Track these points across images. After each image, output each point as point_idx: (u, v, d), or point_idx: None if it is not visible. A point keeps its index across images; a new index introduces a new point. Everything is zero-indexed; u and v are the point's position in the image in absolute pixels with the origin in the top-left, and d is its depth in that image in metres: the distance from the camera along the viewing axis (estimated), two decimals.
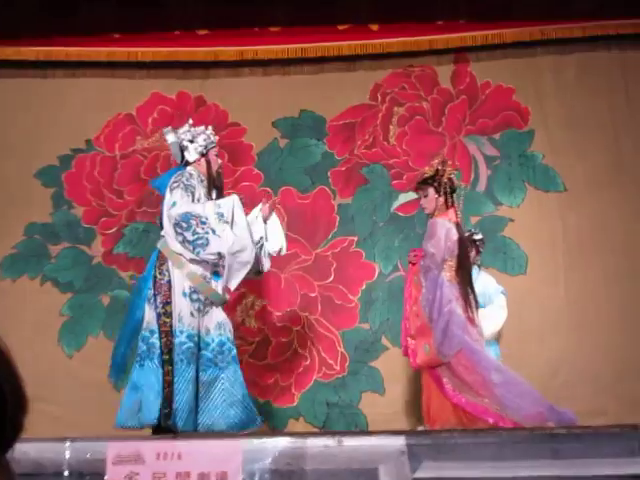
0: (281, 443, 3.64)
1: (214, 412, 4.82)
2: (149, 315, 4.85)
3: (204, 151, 5.27)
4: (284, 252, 5.42)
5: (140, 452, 3.22)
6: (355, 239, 6.95)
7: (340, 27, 7.25)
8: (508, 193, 6.97)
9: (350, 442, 3.69)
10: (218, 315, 4.98)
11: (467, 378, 5.04)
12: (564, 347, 6.57)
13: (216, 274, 4.98)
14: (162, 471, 3.20)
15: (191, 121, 5.35)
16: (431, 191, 5.44)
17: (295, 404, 6.60)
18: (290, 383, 6.65)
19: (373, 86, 7.28)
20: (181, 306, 4.85)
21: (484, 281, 6.11)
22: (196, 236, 4.82)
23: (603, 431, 3.99)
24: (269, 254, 5.24)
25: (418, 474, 3.59)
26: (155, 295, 4.85)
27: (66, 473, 3.23)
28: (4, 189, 7.09)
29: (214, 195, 5.20)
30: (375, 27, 7.23)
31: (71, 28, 7.14)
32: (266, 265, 5.25)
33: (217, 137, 5.43)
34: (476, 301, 5.32)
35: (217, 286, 4.99)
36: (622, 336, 6.55)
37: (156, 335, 4.78)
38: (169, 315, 4.82)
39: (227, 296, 5.08)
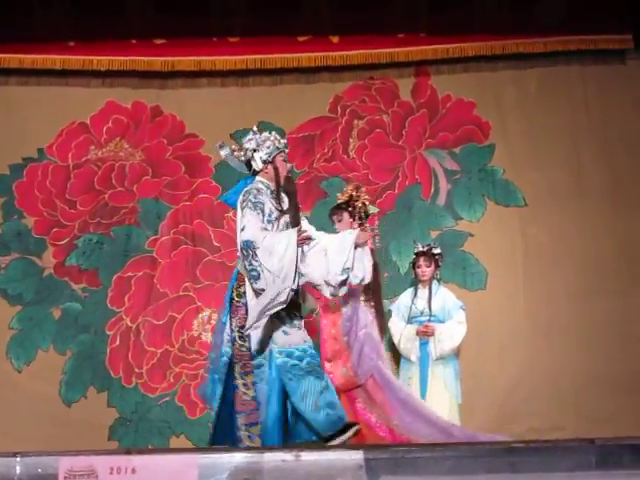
0: (237, 458, 3.63)
1: (308, 419, 4.75)
2: (225, 339, 4.80)
3: (269, 158, 5.11)
4: (366, 282, 5.34)
5: (93, 466, 3.20)
6: None
7: (300, 38, 7.28)
8: (468, 207, 7.03)
9: (308, 457, 3.69)
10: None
11: (377, 399, 5.32)
12: (524, 362, 6.64)
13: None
14: None
15: (255, 128, 5.22)
16: (346, 216, 5.70)
17: None
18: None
19: (333, 98, 7.33)
20: (270, 328, 4.77)
21: (443, 296, 6.16)
22: (251, 267, 4.73)
23: (561, 445, 4.03)
24: (349, 283, 5.07)
25: None
26: (231, 318, 4.79)
27: None
28: None
29: (285, 204, 5.04)
30: (335, 39, 7.26)
31: (25, 35, 7.08)
32: (341, 293, 5.03)
33: (285, 141, 5.22)
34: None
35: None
36: (582, 351, 6.64)
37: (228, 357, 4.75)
38: (245, 339, 4.75)
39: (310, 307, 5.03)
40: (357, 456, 3.66)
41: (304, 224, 4.98)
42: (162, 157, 7.25)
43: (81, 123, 7.27)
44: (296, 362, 4.76)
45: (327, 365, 5.44)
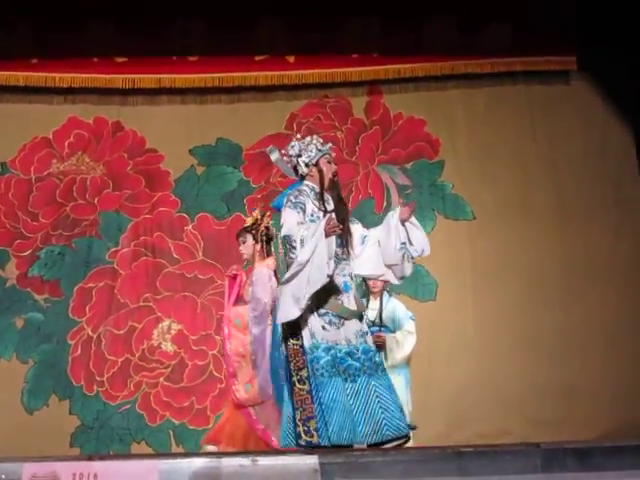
0: (196, 463, 3.64)
1: (371, 420, 4.70)
2: (279, 338, 4.79)
3: (313, 162, 5.11)
4: (427, 253, 5.08)
5: (56, 472, 3.19)
6: None
7: (257, 58, 7.33)
8: (419, 221, 7.03)
9: (264, 461, 3.71)
10: (355, 325, 4.76)
11: (274, 417, 5.34)
12: (471, 371, 6.70)
13: (346, 285, 4.82)
14: None
15: (298, 135, 5.18)
16: (249, 238, 5.76)
17: (210, 426, 6.57)
18: (205, 406, 6.66)
19: (289, 116, 7.38)
20: (310, 323, 4.73)
21: (394, 307, 6.20)
22: (290, 260, 4.75)
23: (508, 449, 4.08)
24: (412, 258, 4.97)
25: None
26: None
27: None
28: None
29: (330, 205, 4.91)
30: (291, 59, 7.33)
31: None
32: (408, 270, 4.97)
33: (329, 145, 5.06)
34: None
35: (345, 300, 4.82)
36: (526, 360, 6.72)
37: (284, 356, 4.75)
38: (297, 337, 4.69)
39: (361, 308, 4.87)
40: (312, 460, 3.69)
41: (352, 225, 4.94)
42: (123, 171, 7.25)
43: (43, 138, 7.26)
44: (329, 359, 4.80)
45: (233, 381, 5.54)
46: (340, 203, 5.04)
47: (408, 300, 6.61)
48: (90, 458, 3.80)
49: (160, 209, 7.12)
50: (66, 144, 7.26)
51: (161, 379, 6.71)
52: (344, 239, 4.94)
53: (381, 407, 4.69)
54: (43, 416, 6.58)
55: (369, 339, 4.82)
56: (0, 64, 7.14)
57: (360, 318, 4.86)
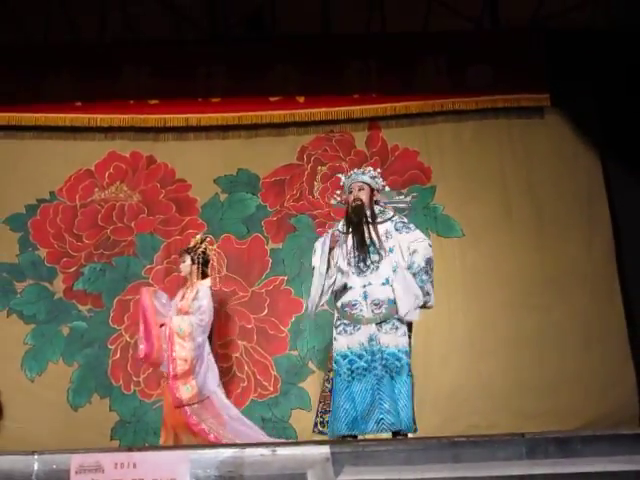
0: (223, 453, 3.60)
1: (371, 417, 4.68)
2: None
3: (346, 192, 5.26)
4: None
5: (100, 463, 3.16)
6: (285, 278, 6.97)
7: (271, 98, 7.32)
8: None
9: (282, 451, 3.67)
10: (369, 329, 4.77)
11: (211, 414, 5.54)
12: (463, 370, 6.65)
13: (365, 295, 4.86)
14: (119, 479, 3.15)
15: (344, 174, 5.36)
16: (188, 259, 5.92)
17: None
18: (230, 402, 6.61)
19: (300, 148, 7.36)
20: (333, 333, 4.89)
21: None
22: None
23: (497, 439, 4.03)
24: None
25: (341, 477, 3.59)
26: None
27: None
28: None
29: (351, 228, 5.05)
30: (301, 99, 7.32)
31: (39, 97, 7.11)
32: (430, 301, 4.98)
33: (355, 175, 5.22)
34: None
35: (363, 309, 4.84)
36: (512, 359, 6.66)
37: None
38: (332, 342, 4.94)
39: (377, 315, 4.84)
40: (324, 450, 3.64)
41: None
42: (156, 198, 7.23)
43: (87, 170, 7.26)
44: (347, 365, 4.75)
45: (175, 382, 5.57)
46: (355, 227, 5.03)
47: None
48: (130, 449, 3.77)
49: (189, 231, 7.08)
50: (106, 175, 7.25)
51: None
52: (362, 254, 4.92)
53: (380, 407, 4.66)
54: (87, 413, 6.54)
55: (384, 342, 4.76)
56: (49, 107, 7.17)
57: (378, 323, 4.81)
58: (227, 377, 6.67)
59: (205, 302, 5.75)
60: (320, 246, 5.00)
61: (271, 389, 6.66)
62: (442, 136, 7.34)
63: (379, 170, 5.39)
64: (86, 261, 7.00)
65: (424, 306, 4.91)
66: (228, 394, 6.57)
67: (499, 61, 7.26)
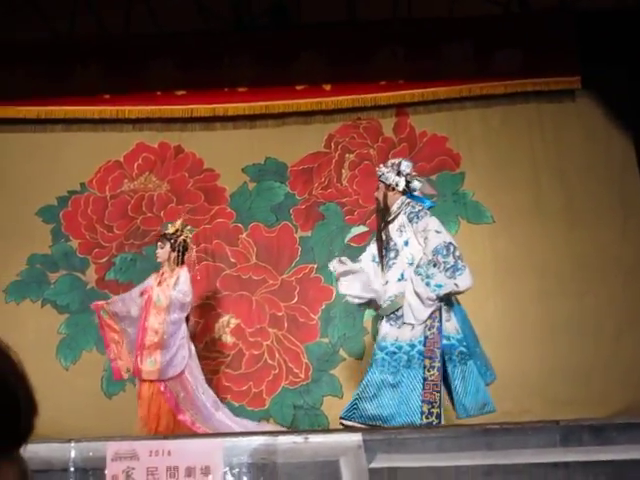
0: (256, 441, 3.65)
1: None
2: None
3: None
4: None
5: (135, 450, 3.21)
6: (315, 266, 6.98)
7: (298, 87, 7.32)
8: (444, 226, 7.01)
9: (315, 439, 3.71)
10: (387, 324, 4.99)
11: (183, 396, 5.56)
12: (496, 356, 6.55)
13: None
14: (154, 466, 3.19)
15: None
16: (168, 245, 5.88)
17: (266, 407, 6.59)
18: (262, 389, 6.65)
19: (327, 136, 7.34)
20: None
21: None
22: None
23: (529, 426, 4.05)
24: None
25: (373, 465, 3.61)
26: None
27: (72, 469, 3.22)
28: (10, 225, 7.08)
29: (388, 218, 5.18)
30: (328, 87, 7.30)
31: (69, 90, 7.18)
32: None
33: (385, 168, 5.34)
34: None
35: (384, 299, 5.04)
36: (545, 346, 6.61)
37: None
38: None
39: (384, 306, 5.06)
40: (356, 437, 3.67)
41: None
42: (184, 188, 7.27)
43: (116, 161, 7.32)
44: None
45: (142, 352, 5.59)
46: (382, 223, 5.08)
47: None
48: (165, 437, 3.84)
49: (218, 220, 7.13)
50: (135, 166, 7.31)
51: (222, 367, 6.71)
52: (381, 257, 4.99)
53: (398, 399, 4.75)
54: (121, 400, 6.60)
55: (392, 336, 4.87)
56: (78, 100, 7.23)
57: (393, 317, 4.88)
58: (258, 365, 6.72)
59: (186, 286, 5.76)
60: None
61: (302, 376, 6.69)
62: (471, 121, 7.28)
63: (395, 161, 5.38)
64: (117, 251, 7.07)
65: (451, 294, 4.90)
66: (259, 382, 6.64)
67: (528, 44, 7.17)
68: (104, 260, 7.05)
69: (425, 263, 4.88)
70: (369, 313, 6.75)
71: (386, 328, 4.94)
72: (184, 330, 5.79)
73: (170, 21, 7.27)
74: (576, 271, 6.82)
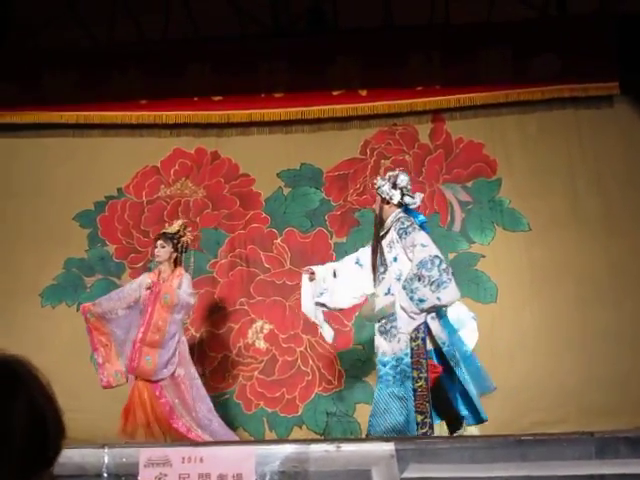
0: (288, 449, 3.66)
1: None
2: None
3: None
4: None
5: (168, 456, 3.24)
6: None
7: (334, 92, 7.33)
8: (480, 233, 6.99)
9: (347, 447, 3.71)
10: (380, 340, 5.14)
11: (178, 403, 5.50)
12: (530, 365, 6.56)
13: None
14: (187, 472, 3.22)
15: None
16: (169, 244, 5.79)
17: (299, 414, 6.61)
18: (295, 396, 6.67)
19: (363, 142, 7.33)
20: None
21: (457, 309, 6.13)
22: None
23: (565, 437, 4.00)
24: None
25: (405, 475, 3.61)
26: None
27: (105, 475, 3.26)
28: (47, 229, 7.19)
29: (381, 232, 5.21)
30: (364, 92, 7.30)
31: (106, 96, 7.28)
32: None
33: (381, 180, 5.34)
34: None
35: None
36: (581, 355, 6.55)
37: None
38: None
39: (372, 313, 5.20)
40: (389, 447, 3.67)
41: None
42: (220, 193, 7.32)
43: (153, 166, 7.40)
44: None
45: (141, 347, 5.52)
46: (377, 236, 5.20)
47: (471, 302, 6.53)
48: (197, 444, 3.86)
49: (253, 225, 7.17)
50: (172, 171, 7.38)
51: (255, 372, 6.74)
52: (378, 264, 5.07)
53: (380, 409, 4.93)
54: None
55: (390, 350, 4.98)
56: (115, 105, 7.33)
57: (383, 330, 5.05)
58: (291, 371, 6.74)
59: (191, 289, 5.78)
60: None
61: (335, 383, 6.70)
62: (507, 128, 7.22)
63: (392, 173, 5.31)
64: (153, 257, 7.12)
65: (435, 307, 4.88)
66: (292, 388, 6.65)
67: (566, 49, 7.09)
68: (140, 265, 7.11)
69: (410, 277, 4.86)
70: None
71: (382, 343, 5.02)
72: (181, 333, 5.79)
73: (208, 26, 7.34)
74: (613, 279, 6.74)
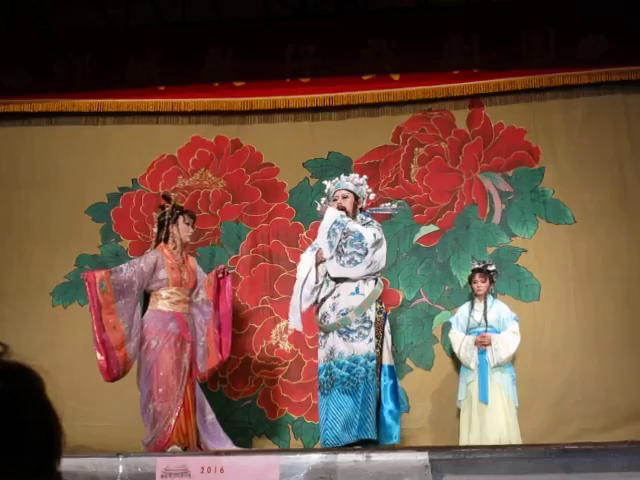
0: (314, 458, 3.64)
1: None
2: None
3: (331, 198, 5.74)
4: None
5: (186, 466, 3.24)
6: None
7: (364, 77, 7.30)
8: (521, 226, 6.93)
9: (378, 457, 3.69)
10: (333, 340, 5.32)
11: None
12: (576, 368, 6.51)
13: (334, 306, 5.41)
14: None
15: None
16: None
17: None
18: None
19: (395, 129, 7.29)
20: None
21: (498, 308, 6.12)
22: None
23: (612, 447, 3.96)
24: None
25: None
26: None
27: None
28: (58, 224, 7.22)
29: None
30: (396, 77, 7.26)
31: (121, 82, 7.31)
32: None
33: (345, 180, 5.77)
34: None
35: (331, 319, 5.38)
36: (630, 356, 6.47)
37: None
38: None
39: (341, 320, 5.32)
40: (423, 457, 3.64)
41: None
42: (242, 184, 7.32)
43: (170, 156, 7.40)
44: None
45: (113, 353, 5.31)
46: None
47: (512, 301, 6.50)
48: (217, 453, 3.86)
49: (276, 218, 7.16)
50: (190, 161, 7.38)
51: (280, 376, 6.74)
52: None
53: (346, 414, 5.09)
54: None
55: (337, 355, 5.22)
56: (131, 92, 7.35)
57: (339, 332, 5.26)
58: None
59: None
60: (308, 259, 5.57)
61: None
62: (551, 113, 7.14)
63: (366, 177, 5.85)
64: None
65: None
66: None
67: (614, 30, 6.99)
68: None
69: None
70: (439, 320, 6.70)
71: (339, 344, 5.22)
72: (138, 313, 5.63)
73: (229, 7, 7.33)
74: None
